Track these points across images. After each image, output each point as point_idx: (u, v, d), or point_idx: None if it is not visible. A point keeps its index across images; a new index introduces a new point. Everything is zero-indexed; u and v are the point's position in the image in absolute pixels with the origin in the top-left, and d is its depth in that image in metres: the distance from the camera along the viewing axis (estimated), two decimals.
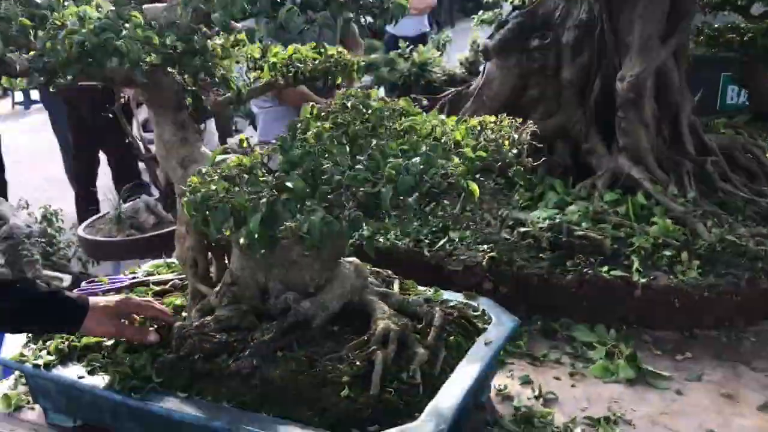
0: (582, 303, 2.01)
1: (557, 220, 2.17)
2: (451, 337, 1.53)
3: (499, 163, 1.28)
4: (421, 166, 1.10)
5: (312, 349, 1.47)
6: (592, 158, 2.48)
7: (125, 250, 3.70)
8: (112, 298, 1.53)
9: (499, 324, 1.63)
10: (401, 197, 1.07)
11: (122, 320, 1.50)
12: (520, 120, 1.51)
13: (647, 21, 2.27)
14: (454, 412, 1.31)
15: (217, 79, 1.58)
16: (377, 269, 1.80)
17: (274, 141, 1.42)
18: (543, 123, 2.56)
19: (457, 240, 2.21)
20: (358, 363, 1.40)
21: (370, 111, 1.38)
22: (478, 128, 1.41)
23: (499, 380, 1.76)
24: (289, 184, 1.12)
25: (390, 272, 1.80)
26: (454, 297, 1.77)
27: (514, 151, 1.32)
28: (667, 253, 2.03)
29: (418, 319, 1.57)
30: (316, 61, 1.82)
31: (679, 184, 2.30)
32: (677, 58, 2.43)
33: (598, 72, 2.48)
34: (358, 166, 1.13)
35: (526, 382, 1.76)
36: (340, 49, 1.89)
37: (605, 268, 1.98)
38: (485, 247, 2.13)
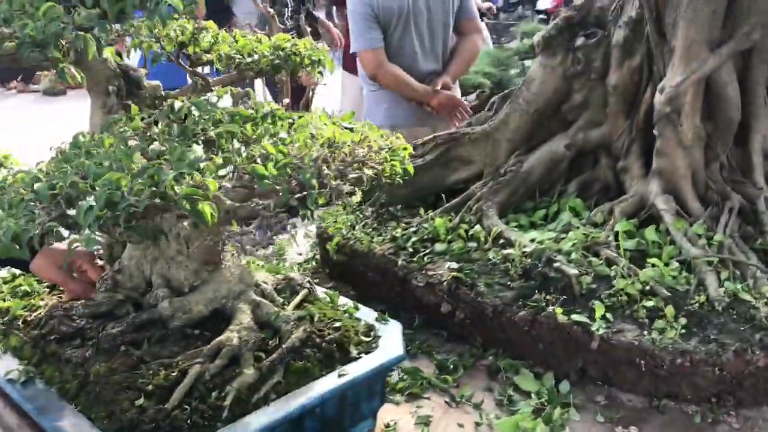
0: (537, 345, 1.75)
1: (543, 246, 1.91)
2: (301, 362, 1.42)
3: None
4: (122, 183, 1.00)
5: (158, 349, 1.45)
6: (625, 178, 2.13)
7: None
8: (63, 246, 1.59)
9: (375, 357, 1.48)
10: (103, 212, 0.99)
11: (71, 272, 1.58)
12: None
13: (692, 23, 1.88)
14: None
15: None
16: (291, 276, 1.71)
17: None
18: (586, 133, 2.26)
19: (441, 251, 2.03)
20: (175, 373, 1.36)
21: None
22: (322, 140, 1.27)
23: (395, 415, 1.61)
24: (37, 186, 1.09)
25: (307, 280, 1.71)
26: (365, 316, 1.64)
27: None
28: (650, 303, 1.69)
29: (281, 337, 1.48)
30: (263, 54, 1.76)
31: (714, 222, 1.90)
32: (751, 68, 1.99)
33: (649, 79, 2.12)
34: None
35: (424, 423, 1.59)
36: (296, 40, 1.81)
37: (561, 310, 1.70)
38: (455, 265, 1.94)
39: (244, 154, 1.17)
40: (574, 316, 1.69)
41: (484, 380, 1.75)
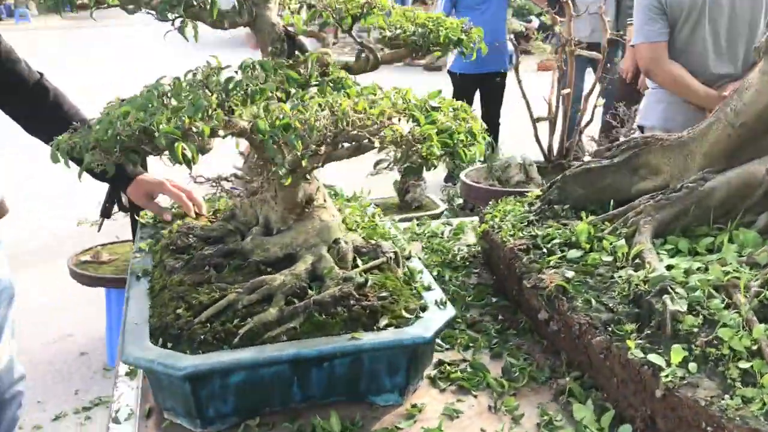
0: (612, 378, 1.56)
1: (668, 273, 1.66)
2: (323, 317, 1.51)
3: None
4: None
5: (230, 275, 1.67)
6: None
7: (482, 196, 4.01)
8: (157, 178, 2.00)
9: (393, 332, 1.50)
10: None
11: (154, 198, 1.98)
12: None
13: None
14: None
15: None
16: (380, 243, 1.79)
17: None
18: None
19: (573, 258, 1.90)
20: (217, 295, 1.56)
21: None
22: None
23: (430, 401, 1.60)
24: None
25: (393, 250, 1.77)
26: (428, 296, 1.65)
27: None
28: (746, 365, 1.38)
29: (320, 290, 1.58)
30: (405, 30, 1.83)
31: None
32: None
33: None
34: None
35: (448, 416, 1.55)
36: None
37: (634, 344, 1.48)
38: (570, 274, 1.79)
39: (258, 110, 1.29)
40: (651, 356, 1.46)
41: (543, 397, 1.62)
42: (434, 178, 6.13)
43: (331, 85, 1.50)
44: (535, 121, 4.10)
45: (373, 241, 1.80)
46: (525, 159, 4.11)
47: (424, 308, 1.61)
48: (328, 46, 2.11)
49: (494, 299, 2.06)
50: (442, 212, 4.28)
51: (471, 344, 1.83)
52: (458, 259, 2.32)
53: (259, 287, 1.56)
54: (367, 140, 1.31)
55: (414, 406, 1.58)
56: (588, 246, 1.93)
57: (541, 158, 4.21)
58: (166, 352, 1.42)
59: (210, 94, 1.30)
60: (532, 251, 1.98)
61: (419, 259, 1.98)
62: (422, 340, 1.48)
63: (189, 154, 1.21)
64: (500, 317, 1.96)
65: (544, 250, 1.97)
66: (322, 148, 1.27)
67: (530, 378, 1.68)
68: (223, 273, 1.68)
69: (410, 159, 1.39)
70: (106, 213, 2.96)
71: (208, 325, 1.48)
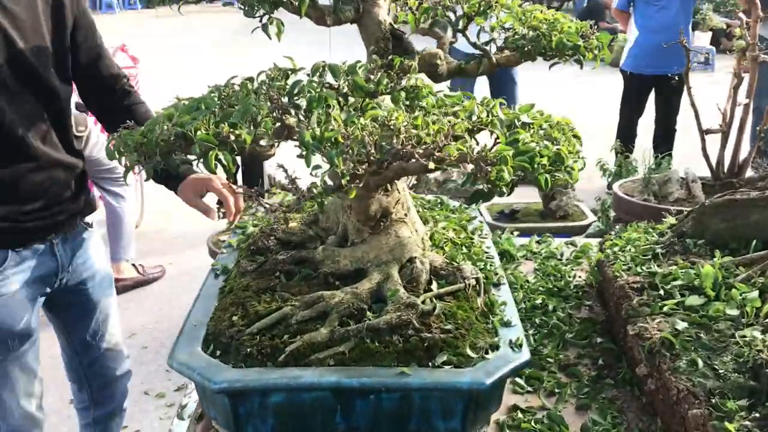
0: None
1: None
2: (375, 344, 1.38)
3: None
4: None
5: (297, 285, 1.59)
6: None
7: (633, 211, 3.68)
8: (207, 174, 1.94)
9: (447, 374, 1.34)
10: None
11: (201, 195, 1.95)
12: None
13: None
14: None
15: None
16: (462, 266, 1.63)
17: None
18: None
19: (693, 306, 1.63)
20: (276, 305, 1.49)
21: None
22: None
23: None
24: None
25: (474, 277, 1.60)
26: (504, 335, 1.48)
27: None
28: None
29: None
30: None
31: None
32: None
33: None
34: None
35: None
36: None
37: (734, 427, 1.21)
38: (682, 326, 1.53)
39: (311, 119, 1.19)
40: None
41: None
42: (592, 185, 5.74)
43: (404, 94, 1.37)
44: (704, 132, 3.66)
45: (454, 264, 1.65)
46: (688, 174, 3.68)
47: (494, 347, 1.44)
48: (444, 45, 1.96)
49: (599, 340, 1.83)
50: (589, 225, 3.97)
51: (557, 390, 1.63)
52: (571, 287, 2.10)
53: (316, 303, 1.47)
54: (418, 159, 1.16)
55: None
56: (713, 293, 1.64)
57: (709, 174, 3.75)
58: (209, 362, 1.38)
59: (267, 99, 1.22)
60: (647, 291, 1.73)
61: (522, 286, 1.80)
62: (479, 387, 1.32)
63: (225, 163, 1.14)
64: (600, 362, 1.74)
65: (661, 291, 1.71)
66: (362, 167, 1.14)
67: None
68: (291, 282, 1.61)
69: (478, 181, 1.22)
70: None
71: (258, 337, 1.42)
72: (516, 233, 2.51)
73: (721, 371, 1.40)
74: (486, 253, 1.87)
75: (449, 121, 1.23)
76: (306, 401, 1.37)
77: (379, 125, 1.17)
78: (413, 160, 1.16)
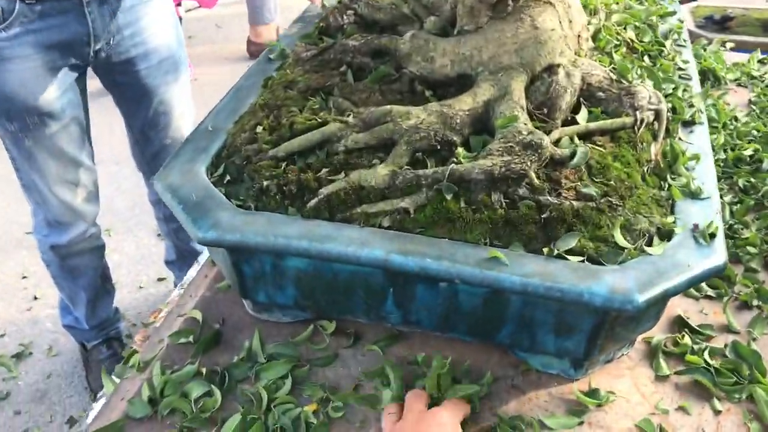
0: None
1: None
2: (463, 206, 0.83)
3: None
4: None
5: (370, 91, 1.04)
6: None
7: None
8: None
9: (582, 272, 0.78)
10: None
11: None
12: None
13: None
14: None
15: None
16: (635, 88, 0.99)
17: None
18: None
19: None
20: (323, 118, 0.95)
21: None
22: None
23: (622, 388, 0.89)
24: None
25: (649, 98, 0.96)
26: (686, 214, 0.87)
27: None
28: None
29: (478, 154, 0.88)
30: None
31: None
32: None
33: None
34: None
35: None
36: None
37: None
38: None
39: None
40: None
41: None
42: None
43: None
44: None
45: (624, 83, 1.01)
46: None
47: (666, 234, 0.84)
48: None
49: None
50: None
51: (756, 302, 1.02)
52: None
53: (380, 122, 0.92)
54: None
55: (591, 393, 0.89)
56: None
57: None
58: (206, 191, 0.89)
59: None
60: None
61: (726, 125, 1.15)
62: (621, 305, 0.75)
63: None
64: None
65: None
66: None
67: None
68: (359, 83, 1.05)
69: None
70: None
71: (283, 165, 0.91)
72: (729, 45, 1.75)
73: None
74: (681, 70, 1.20)
75: None
76: (341, 275, 0.87)
77: None
78: None
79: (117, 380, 0.94)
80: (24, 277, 2.64)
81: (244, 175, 0.93)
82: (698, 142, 1.02)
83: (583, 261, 0.80)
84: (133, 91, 1.73)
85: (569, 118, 0.97)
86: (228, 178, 0.94)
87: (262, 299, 0.94)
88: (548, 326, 0.84)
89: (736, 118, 1.41)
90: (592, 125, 0.95)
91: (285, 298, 0.93)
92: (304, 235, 0.83)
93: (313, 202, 0.86)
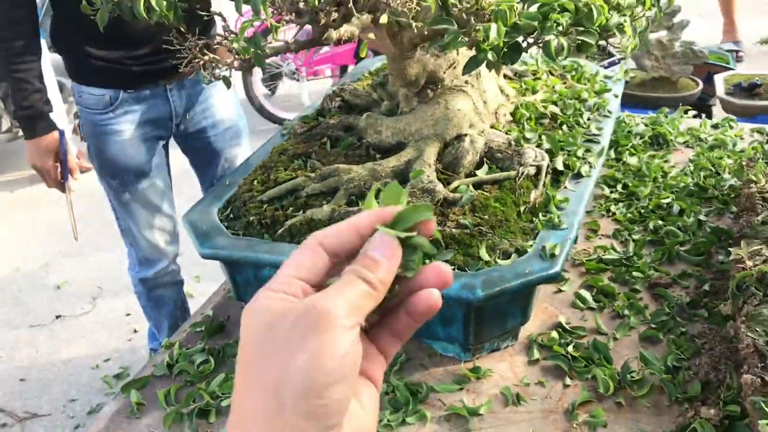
0: None
1: None
2: None
3: None
4: None
5: (339, 155, 1.44)
6: None
7: None
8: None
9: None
10: None
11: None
12: None
13: None
14: None
15: None
16: (523, 149, 1.34)
17: None
18: None
19: None
20: (295, 175, 1.36)
21: None
22: None
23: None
24: None
25: (534, 157, 1.31)
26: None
27: None
28: None
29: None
30: None
31: None
32: None
33: None
34: None
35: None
36: None
37: None
38: None
39: None
40: None
41: (658, 425, 1.09)
42: None
43: None
44: None
45: (517, 146, 1.36)
46: None
47: (522, 253, 1.18)
48: None
49: (720, 258, 1.43)
50: None
51: (626, 312, 1.32)
52: (725, 187, 1.65)
53: (330, 177, 1.32)
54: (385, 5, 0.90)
55: (474, 369, 1.22)
56: None
57: None
58: (212, 225, 1.31)
59: None
60: None
61: (656, 179, 1.45)
62: (467, 297, 1.09)
63: (158, 8, 0.99)
64: (706, 287, 1.36)
65: None
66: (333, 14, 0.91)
67: (655, 391, 1.14)
68: (332, 150, 1.46)
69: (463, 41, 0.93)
70: None
71: (265, 206, 1.32)
72: (691, 113, 2.03)
73: None
74: (593, 135, 1.53)
75: None
76: None
77: None
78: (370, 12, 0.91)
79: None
80: (128, 314, 3.18)
81: (240, 213, 1.35)
82: (579, 189, 1.34)
83: (453, 269, 1.15)
84: (205, 153, 2.22)
85: (472, 173, 1.33)
86: (231, 216, 1.36)
87: None
88: (437, 318, 1.19)
89: (665, 174, 1.71)
90: (485, 177, 1.30)
91: None
92: (269, 251, 1.23)
93: (280, 230, 1.26)
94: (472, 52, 1.03)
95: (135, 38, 1.92)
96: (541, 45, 0.93)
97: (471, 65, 0.99)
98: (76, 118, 4.20)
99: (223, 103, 2.18)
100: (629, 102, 3.16)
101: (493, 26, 0.89)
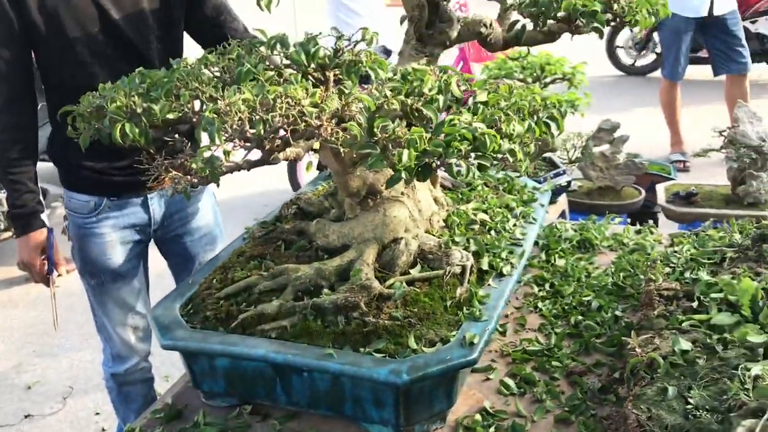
0: None
1: None
2: (315, 322, 1.37)
3: None
4: None
5: (292, 256, 1.62)
6: None
7: None
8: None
9: (363, 361, 1.28)
10: None
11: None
12: None
13: None
14: None
15: None
16: (451, 251, 1.52)
17: None
18: None
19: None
20: (247, 275, 1.53)
21: None
22: None
23: None
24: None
25: (460, 258, 1.49)
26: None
27: None
28: None
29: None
30: None
31: None
32: None
33: None
34: None
35: None
36: None
37: None
38: (684, 343, 1.28)
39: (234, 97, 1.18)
40: None
41: None
42: None
43: (346, 71, 1.29)
44: None
45: (445, 249, 1.55)
46: None
47: (445, 342, 1.34)
48: (508, 11, 1.80)
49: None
50: None
51: (544, 397, 1.47)
52: (641, 286, 1.84)
53: (280, 275, 1.49)
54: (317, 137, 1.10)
55: None
56: (749, 312, 1.35)
57: None
58: (173, 320, 1.47)
59: (203, 76, 1.25)
60: (678, 301, 1.48)
61: (579, 279, 1.61)
62: (395, 381, 1.25)
63: (132, 135, 1.19)
64: (617, 375, 1.52)
65: (695, 303, 1.45)
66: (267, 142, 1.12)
67: None
68: (285, 252, 1.64)
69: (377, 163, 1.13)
70: None
71: (221, 302, 1.48)
72: (617, 220, 2.25)
73: (691, 407, 1.16)
74: (517, 239, 1.72)
75: (332, 104, 1.15)
76: (248, 369, 1.41)
77: (266, 102, 1.14)
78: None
79: None
80: (97, 413, 3.24)
81: (200, 309, 1.51)
82: (501, 286, 1.53)
83: (384, 356, 1.31)
84: (181, 257, 2.39)
85: (407, 271, 1.51)
86: (191, 311, 1.52)
87: (206, 389, 1.48)
88: (370, 401, 1.34)
89: (588, 274, 1.90)
90: (417, 275, 1.48)
91: (219, 387, 1.46)
92: (222, 343, 1.38)
93: (233, 324, 1.42)
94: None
95: (117, 151, 2.12)
96: (445, 167, 1.13)
97: (391, 182, 1.19)
98: (65, 220, 4.38)
99: (200, 211, 2.37)
100: (577, 209, 3.40)
101: (405, 151, 1.10)
